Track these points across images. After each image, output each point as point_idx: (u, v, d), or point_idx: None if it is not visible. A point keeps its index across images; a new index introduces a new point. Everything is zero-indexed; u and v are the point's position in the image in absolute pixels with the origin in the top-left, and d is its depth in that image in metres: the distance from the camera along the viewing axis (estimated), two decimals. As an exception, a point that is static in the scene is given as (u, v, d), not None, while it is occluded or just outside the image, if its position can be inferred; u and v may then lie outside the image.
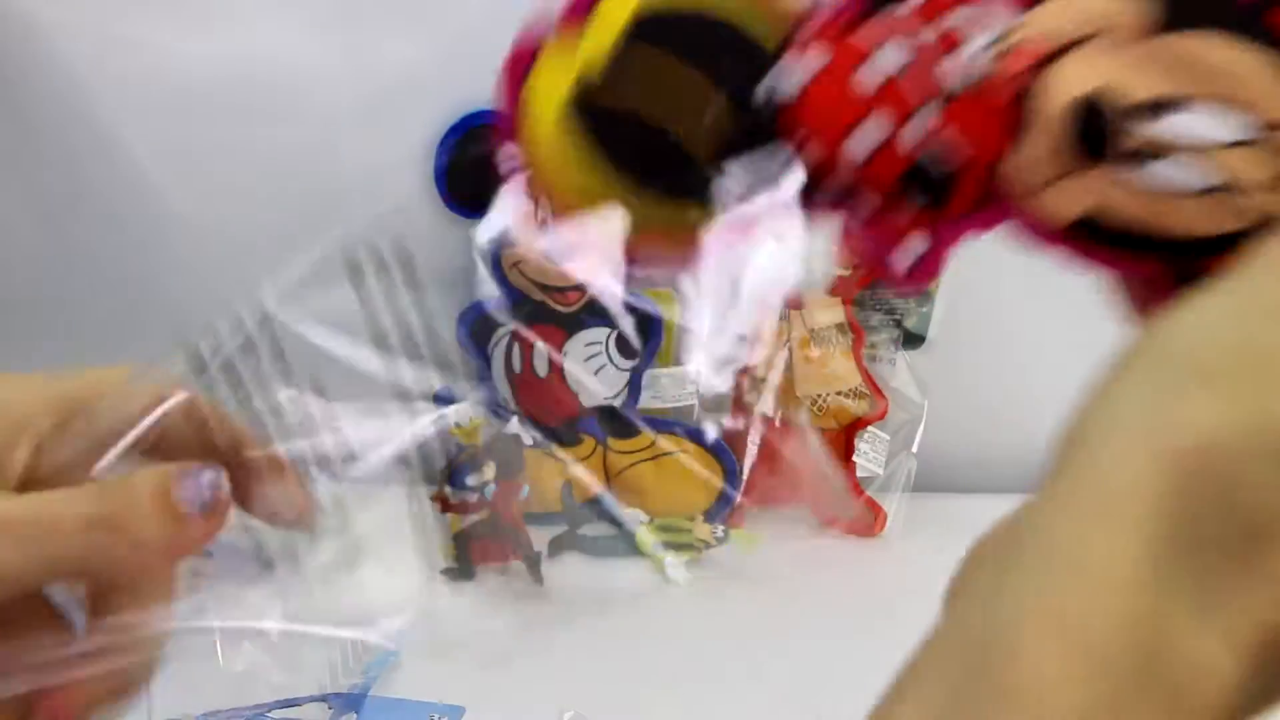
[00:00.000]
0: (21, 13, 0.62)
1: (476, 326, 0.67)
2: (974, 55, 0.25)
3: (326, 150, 0.66)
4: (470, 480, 0.59)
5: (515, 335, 0.66)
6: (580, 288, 0.65)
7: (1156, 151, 0.24)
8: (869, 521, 0.64)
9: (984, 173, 0.26)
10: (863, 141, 0.26)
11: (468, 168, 0.65)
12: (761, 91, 0.27)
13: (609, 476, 0.66)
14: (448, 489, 0.60)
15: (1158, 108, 0.24)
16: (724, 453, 0.62)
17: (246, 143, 0.66)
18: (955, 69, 0.25)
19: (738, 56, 0.28)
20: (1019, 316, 0.69)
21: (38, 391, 0.27)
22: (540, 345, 0.66)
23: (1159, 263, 0.26)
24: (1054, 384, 0.78)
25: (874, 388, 0.66)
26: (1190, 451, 0.17)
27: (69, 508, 0.24)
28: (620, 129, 0.29)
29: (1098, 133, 0.24)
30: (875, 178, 0.27)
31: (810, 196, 0.28)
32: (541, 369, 0.66)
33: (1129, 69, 0.24)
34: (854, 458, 0.66)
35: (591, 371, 0.66)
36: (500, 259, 0.66)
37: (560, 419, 0.66)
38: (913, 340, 0.67)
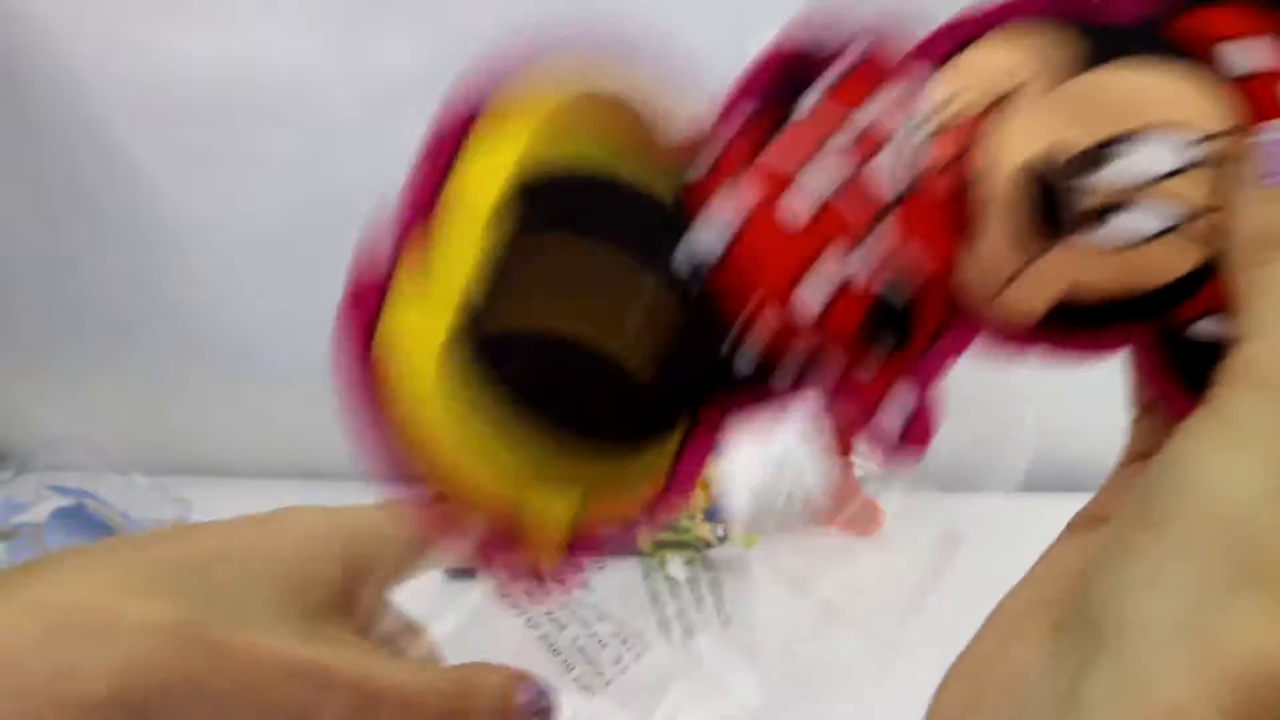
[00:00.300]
0: (23, 14, 0.62)
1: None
2: (901, 149, 0.22)
3: (328, 152, 0.66)
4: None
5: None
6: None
7: (1113, 204, 0.22)
8: (867, 519, 0.65)
9: (945, 288, 0.23)
10: (816, 288, 0.22)
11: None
12: (682, 260, 0.22)
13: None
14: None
15: (1100, 154, 0.22)
16: (724, 452, 0.63)
17: (248, 144, 0.66)
18: (886, 171, 0.22)
19: (652, 222, 0.22)
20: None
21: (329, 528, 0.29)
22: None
23: (1143, 326, 0.24)
24: (1053, 384, 0.79)
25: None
26: (1248, 669, 0.16)
27: (433, 690, 0.26)
28: (527, 360, 0.21)
29: (1053, 202, 0.22)
30: (838, 329, 0.22)
31: (768, 386, 0.22)
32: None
33: (1060, 121, 0.22)
34: (851, 456, 0.66)
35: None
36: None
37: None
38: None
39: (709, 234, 0.22)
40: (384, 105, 0.65)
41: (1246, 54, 0.22)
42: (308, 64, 0.64)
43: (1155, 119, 0.22)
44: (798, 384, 0.23)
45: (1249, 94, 0.22)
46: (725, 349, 0.22)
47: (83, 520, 0.56)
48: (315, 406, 0.80)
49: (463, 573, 0.60)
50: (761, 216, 0.22)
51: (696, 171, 0.22)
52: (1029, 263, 0.23)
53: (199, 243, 0.68)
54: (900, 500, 0.66)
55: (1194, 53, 0.22)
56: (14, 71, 0.63)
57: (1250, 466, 0.18)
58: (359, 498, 0.78)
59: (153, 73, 0.64)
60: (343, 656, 0.25)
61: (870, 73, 0.23)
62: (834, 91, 0.22)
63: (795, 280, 0.22)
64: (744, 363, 0.22)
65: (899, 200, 0.22)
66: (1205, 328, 0.23)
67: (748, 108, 0.23)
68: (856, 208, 0.22)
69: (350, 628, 0.27)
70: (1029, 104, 0.22)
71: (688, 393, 0.22)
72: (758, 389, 0.23)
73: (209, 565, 0.25)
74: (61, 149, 0.66)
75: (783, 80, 0.23)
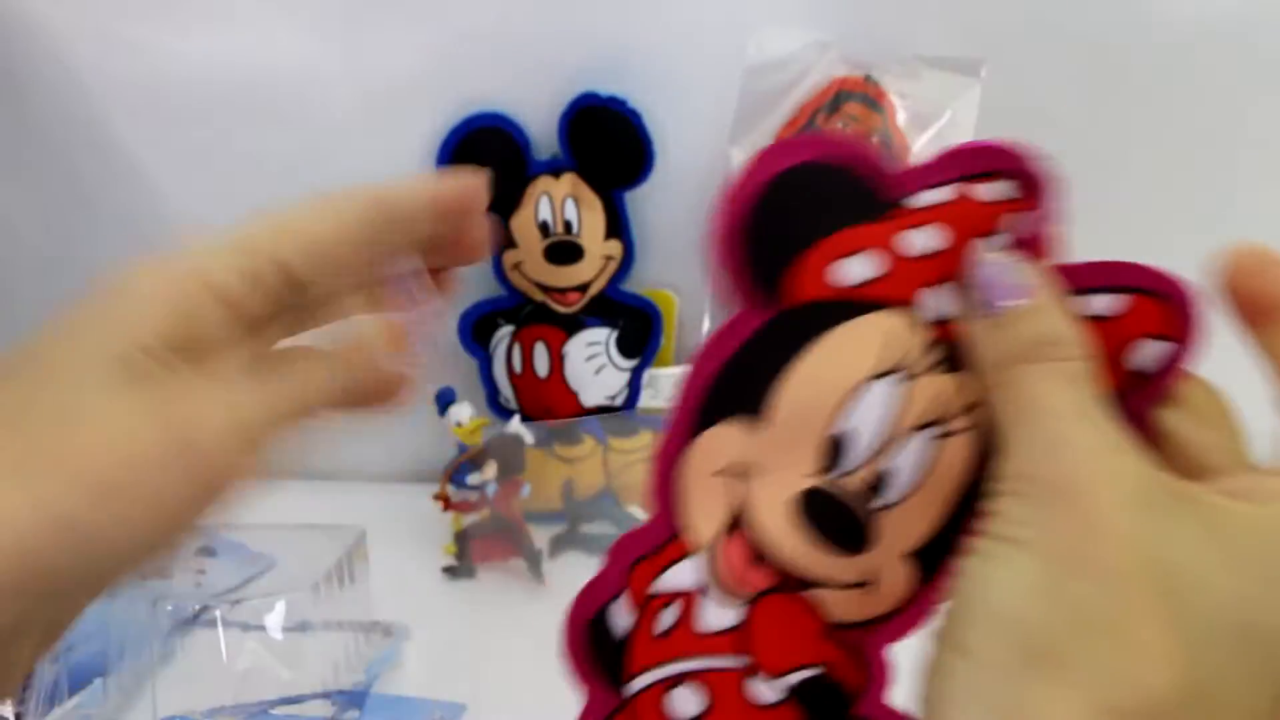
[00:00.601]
0: (22, 14, 0.62)
1: (477, 326, 0.68)
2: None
3: (328, 152, 0.66)
4: (471, 479, 0.60)
5: (515, 335, 0.67)
6: (581, 288, 0.65)
7: (877, 475, 0.25)
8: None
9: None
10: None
11: (469, 169, 0.66)
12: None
13: (609, 476, 0.66)
14: (449, 488, 0.61)
15: (837, 446, 0.25)
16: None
17: (248, 145, 0.66)
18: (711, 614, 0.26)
19: None
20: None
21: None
22: (540, 345, 0.66)
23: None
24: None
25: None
26: None
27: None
28: None
29: (834, 515, 0.25)
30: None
31: None
32: (542, 369, 0.67)
33: (784, 454, 0.26)
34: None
35: (592, 372, 0.66)
36: (501, 259, 0.66)
37: (561, 418, 0.66)
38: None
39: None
40: (384, 105, 0.66)
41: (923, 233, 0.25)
42: (308, 64, 0.64)
43: (848, 386, 0.25)
44: None
45: (946, 218, 0.25)
46: None
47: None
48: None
49: (463, 572, 0.60)
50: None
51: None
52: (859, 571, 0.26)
53: (199, 243, 0.68)
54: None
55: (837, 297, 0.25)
56: (14, 71, 0.63)
57: (1021, 569, 0.21)
58: (359, 498, 0.78)
59: (152, 73, 0.64)
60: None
61: None
62: None
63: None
64: None
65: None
66: None
67: None
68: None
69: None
70: (747, 443, 0.26)
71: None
72: None
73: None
74: (61, 149, 0.66)
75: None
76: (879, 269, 0.25)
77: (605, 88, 0.63)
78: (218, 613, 0.45)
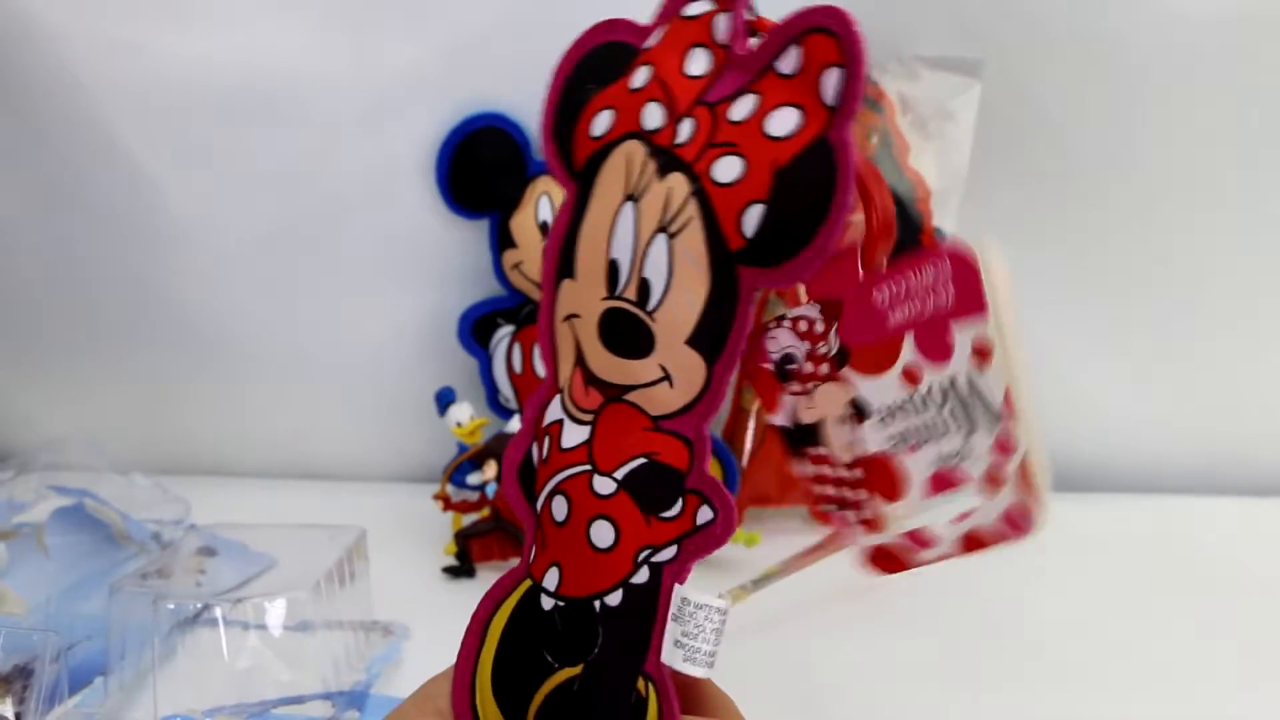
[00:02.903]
0: (22, 14, 0.62)
1: (477, 326, 0.68)
2: None
3: (329, 152, 0.66)
4: (471, 479, 0.60)
5: (515, 335, 0.67)
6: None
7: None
8: (875, 520, 0.65)
9: None
10: None
11: (471, 169, 0.66)
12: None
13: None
14: (449, 488, 0.61)
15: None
16: (723, 452, 0.63)
17: (249, 145, 0.66)
18: None
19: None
20: (1017, 316, 0.70)
21: None
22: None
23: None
24: (1052, 383, 0.79)
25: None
26: None
27: None
28: None
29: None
30: None
31: None
32: (542, 369, 0.66)
33: None
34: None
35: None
36: (501, 259, 0.66)
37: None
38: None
39: None
40: (384, 105, 0.66)
41: None
42: (308, 64, 0.64)
43: (609, 216, 0.30)
44: None
45: (659, 51, 0.30)
46: None
47: (83, 520, 0.56)
48: (315, 406, 0.81)
49: (463, 572, 0.60)
50: None
51: None
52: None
53: (200, 243, 0.68)
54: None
55: None
56: (14, 71, 0.63)
57: None
58: (357, 498, 0.78)
59: (153, 73, 0.64)
60: None
61: None
62: None
63: None
64: None
65: None
66: None
67: None
68: None
69: None
70: None
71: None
72: None
73: None
74: (61, 149, 0.66)
75: None
76: (615, 113, 0.30)
77: (605, 88, 0.63)
78: (218, 612, 0.45)
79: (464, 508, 0.61)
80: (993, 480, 0.32)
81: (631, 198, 0.29)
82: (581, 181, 0.30)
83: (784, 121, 0.27)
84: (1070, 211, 0.67)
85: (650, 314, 0.29)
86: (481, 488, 0.60)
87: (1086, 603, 0.56)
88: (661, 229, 0.28)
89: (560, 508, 0.30)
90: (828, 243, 0.26)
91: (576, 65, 0.31)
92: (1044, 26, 0.63)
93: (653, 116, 0.29)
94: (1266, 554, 0.62)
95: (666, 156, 0.29)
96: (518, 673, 0.30)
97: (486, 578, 0.61)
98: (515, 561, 0.32)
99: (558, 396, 0.31)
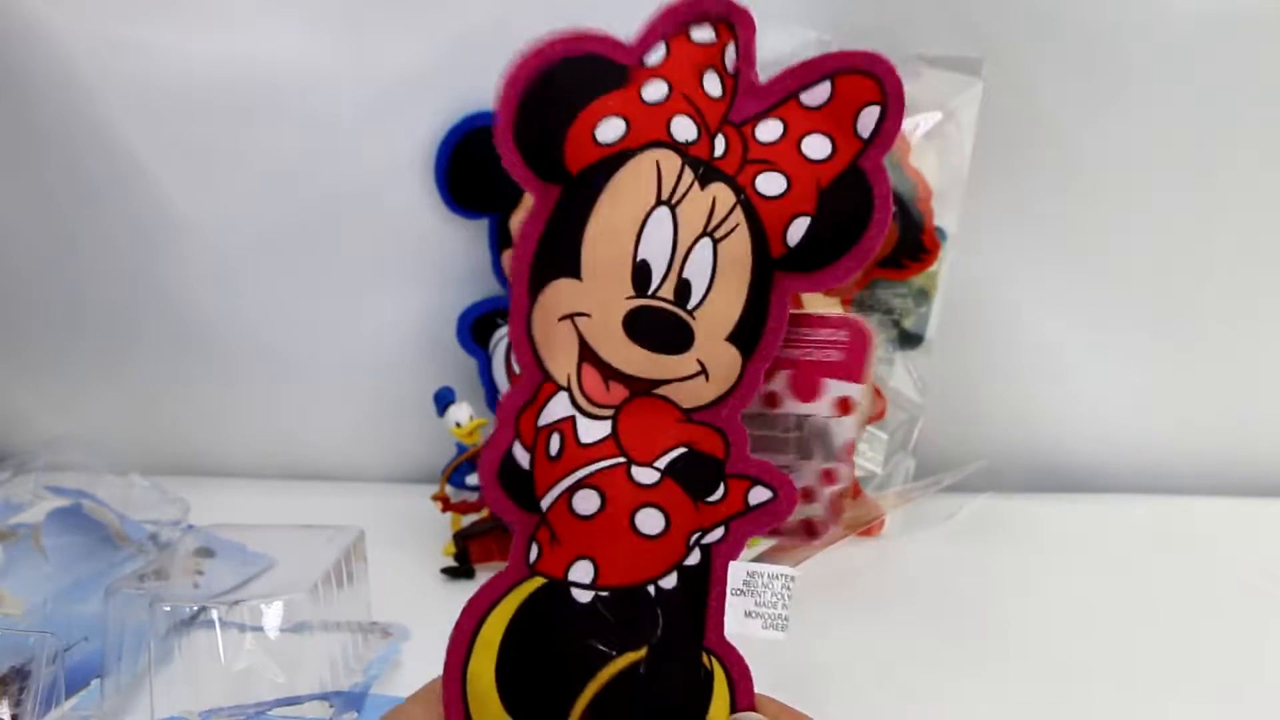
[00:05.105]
0: (22, 13, 0.62)
1: (476, 326, 0.68)
2: None
3: (328, 151, 0.66)
4: (471, 479, 0.59)
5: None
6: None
7: None
8: (869, 521, 0.65)
9: None
10: None
11: (471, 169, 0.66)
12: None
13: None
14: (448, 488, 0.60)
15: None
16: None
17: (248, 144, 0.66)
18: None
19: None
20: (1017, 316, 0.70)
21: None
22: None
23: None
24: (1052, 383, 0.78)
25: (873, 387, 0.66)
26: None
27: None
28: None
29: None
30: None
31: None
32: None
33: None
34: (852, 457, 0.66)
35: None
36: (500, 259, 0.66)
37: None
38: (911, 340, 0.67)
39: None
40: (384, 105, 0.65)
41: None
42: (308, 64, 0.64)
43: (637, 219, 0.31)
44: None
45: (670, 66, 0.32)
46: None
47: (80, 521, 0.56)
48: (315, 406, 0.81)
49: (462, 572, 0.60)
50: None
51: None
52: None
53: (199, 242, 0.67)
54: (901, 501, 0.66)
55: None
56: (14, 71, 0.63)
57: None
58: (359, 498, 0.78)
59: (153, 73, 0.64)
60: None
61: None
62: None
63: None
64: None
65: None
66: None
67: None
68: None
69: None
70: None
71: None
72: None
73: None
74: (62, 149, 0.66)
75: None
76: (630, 122, 0.31)
77: (605, 87, 0.63)
78: (215, 613, 0.44)
79: (463, 508, 0.61)
80: (807, 494, 0.37)
81: (666, 203, 0.30)
82: (579, 185, 0.31)
83: (819, 147, 0.31)
84: (1070, 210, 0.67)
85: (690, 312, 0.30)
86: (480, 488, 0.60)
87: (1086, 603, 0.56)
88: (707, 234, 0.30)
89: (589, 502, 0.31)
90: (866, 256, 0.30)
91: (543, 73, 0.32)
92: (1045, 25, 0.63)
93: (685, 129, 0.31)
94: (1266, 554, 0.62)
95: (707, 168, 0.30)
96: (552, 670, 0.30)
97: (485, 578, 0.61)
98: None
99: (560, 394, 0.32)
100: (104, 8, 0.63)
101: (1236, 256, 0.67)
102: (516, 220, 0.65)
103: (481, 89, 0.66)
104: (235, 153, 0.66)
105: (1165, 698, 0.47)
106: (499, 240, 0.66)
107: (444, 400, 0.61)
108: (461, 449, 0.60)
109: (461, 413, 0.60)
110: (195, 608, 0.45)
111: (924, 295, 0.66)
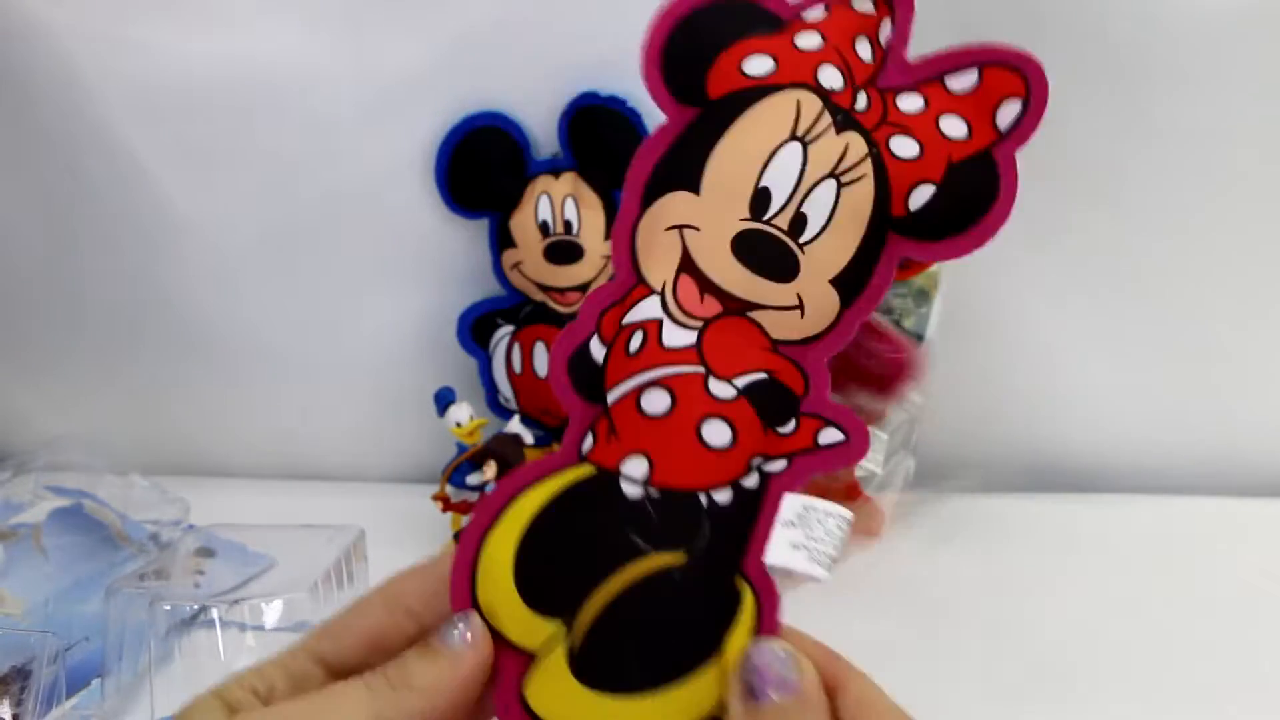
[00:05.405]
0: (22, 13, 0.62)
1: (476, 326, 0.68)
2: None
3: (328, 151, 0.66)
4: (471, 479, 0.59)
5: (515, 335, 0.66)
6: (581, 287, 0.65)
7: None
8: (869, 520, 0.65)
9: None
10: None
11: (470, 169, 0.66)
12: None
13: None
14: (449, 488, 0.60)
15: None
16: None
17: (248, 144, 0.66)
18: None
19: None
20: (1017, 316, 0.70)
21: None
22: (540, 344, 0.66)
23: None
24: (1052, 383, 0.78)
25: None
26: None
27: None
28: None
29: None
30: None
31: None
32: (542, 369, 0.66)
33: None
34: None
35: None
36: (500, 259, 0.66)
37: (561, 418, 0.66)
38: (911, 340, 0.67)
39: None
40: (384, 105, 0.65)
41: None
42: (308, 64, 0.64)
43: (768, 148, 0.32)
44: None
45: (827, 26, 0.33)
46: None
47: (81, 521, 0.56)
48: (315, 406, 0.81)
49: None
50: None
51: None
52: None
53: (199, 242, 0.68)
54: (900, 501, 0.66)
55: None
56: (14, 71, 0.63)
57: None
58: (359, 498, 0.78)
59: (153, 73, 0.64)
60: None
61: None
62: None
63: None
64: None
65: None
66: None
67: None
68: None
69: None
70: None
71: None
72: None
73: None
74: (62, 149, 0.66)
75: None
76: (780, 61, 0.32)
77: (605, 87, 0.63)
78: (216, 613, 0.44)
79: (463, 508, 0.61)
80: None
81: (800, 139, 0.31)
82: (718, 109, 0.32)
83: (956, 127, 0.32)
84: (1070, 211, 0.67)
85: (801, 246, 0.31)
86: (481, 488, 0.60)
87: (1086, 603, 0.56)
88: (833, 175, 0.31)
89: (659, 401, 0.31)
90: (982, 239, 0.31)
91: (698, 8, 0.33)
92: (1044, 25, 0.63)
93: (831, 78, 0.32)
94: (1266, 554, 0.62)
95: (845, 116, 0.31)
96: (579, 553, 0.30)
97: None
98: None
99: (652, 297, 0.32)
100: (104, 8, 0.63)
101: (1237, 256, 0.67)
102: (516, 220, 0.65)
103: (481, 89, 0.66)
104: (235, 153, 0.66)
105: (1165, 697, 0.47)
106: (499, 240, 0.66)
107: (444, 400, 0.61)
108: (462, 449, 0.60)
109: (462, 413, 0.60)
110: (196, 607, 0.45)
111: (924, 295, 0.66)
